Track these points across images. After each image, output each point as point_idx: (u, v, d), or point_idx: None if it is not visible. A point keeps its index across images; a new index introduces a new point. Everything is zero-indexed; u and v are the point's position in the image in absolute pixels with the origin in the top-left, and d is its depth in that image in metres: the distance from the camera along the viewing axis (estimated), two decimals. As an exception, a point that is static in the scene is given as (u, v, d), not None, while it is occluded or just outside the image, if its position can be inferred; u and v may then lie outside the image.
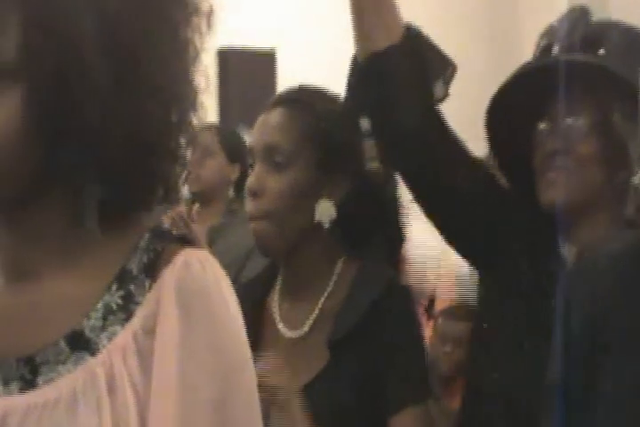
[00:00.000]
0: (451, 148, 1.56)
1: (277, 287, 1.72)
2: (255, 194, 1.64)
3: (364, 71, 1.57)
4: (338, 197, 1.64)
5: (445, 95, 1.58)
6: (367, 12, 1.54)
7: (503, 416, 1.49)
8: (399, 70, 1.53)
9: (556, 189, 1.47)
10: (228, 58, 6.83)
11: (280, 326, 1.67)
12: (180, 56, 1.06)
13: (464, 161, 1.57)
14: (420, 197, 1.60)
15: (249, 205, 1.65)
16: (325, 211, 1.62)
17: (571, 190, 1.47)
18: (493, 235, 1.55)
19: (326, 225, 1.62)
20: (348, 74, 1.62)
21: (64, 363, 1.04)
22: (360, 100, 1.59)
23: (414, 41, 1.56)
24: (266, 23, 6.69)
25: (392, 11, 1.55)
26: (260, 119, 1.69)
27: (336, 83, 1.73)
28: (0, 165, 1.01)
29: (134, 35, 1.01)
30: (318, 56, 6.14)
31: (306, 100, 1.68)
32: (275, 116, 1.66)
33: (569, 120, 1.47)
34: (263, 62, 7.16)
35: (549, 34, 1.56)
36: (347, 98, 1.67)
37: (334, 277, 1.66)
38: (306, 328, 1.64)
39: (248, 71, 6.96)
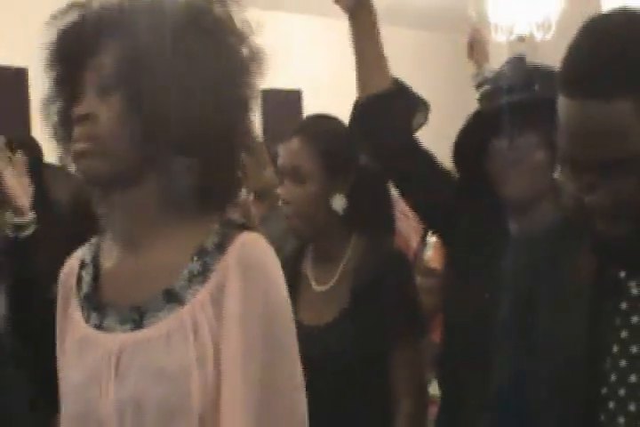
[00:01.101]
0: (424, 158, 2.14)
1: (309, 258, 2.28)
2: (285, 201, 2.23)
3: (364, 108, 2.12)
4: (345, 192, 2.20)
5: (421, 125, 2.19)
6: (366, 67, 2.12)
7: (470, 346, 2.01)
8: (389, 108, 2.09)
9: (511, 186, 2.03)
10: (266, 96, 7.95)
11: (312, 283, 2.24)
12: (251, 92, 1.46)
13: (433, 167, 2.14)
14: (403, 192, 2.18)
15: (283, 209, 2.25)
16: (338, 202, 2.19)
17: (524, 188, 2.03)
18: (453, 217, 2.11)
19: (340, 212, 2.20)
20: (352, 109, 2.16)
21: (161, 311, 1.40)
22: (360, 129, 2.14)
23: (399, 87, 2.13)
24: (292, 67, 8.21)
25: (384, 66, 2.13)
26: (284, 145, 2.27)
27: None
28: (112, 152, 1.37)
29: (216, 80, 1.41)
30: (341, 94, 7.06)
31: (316, 129, 2.26)
32: (294, 143, 2.23)
33: (521, 139, 2.02)
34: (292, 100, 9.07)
35: (493, 80, 2.17)
36: (349, 126, 2.22)
37: (350, 248, 2.22)
38: (331, 284, 2.22)
39: (278, 107, 8.58)
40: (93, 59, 1.42)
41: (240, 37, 1.46)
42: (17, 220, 2.35)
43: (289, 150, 2.25)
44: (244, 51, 1.46)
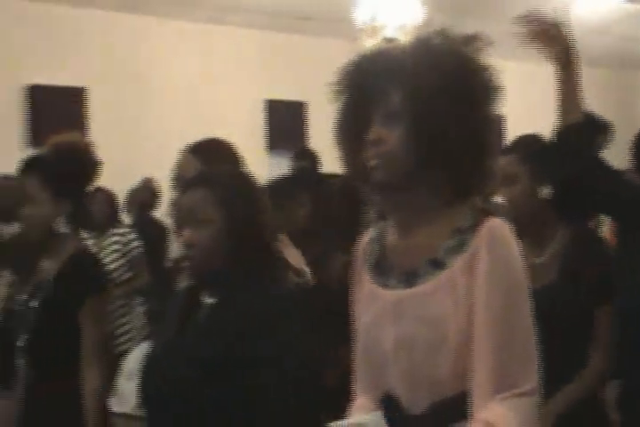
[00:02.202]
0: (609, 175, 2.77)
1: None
2: (507, 201, 2.96)
3: (563, 135, 2.74)
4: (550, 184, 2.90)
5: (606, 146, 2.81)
6: (566, 102, 2.72)
7: None
8: (585, 135, 2.71)
9: None
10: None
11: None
12: (495, 115, 1.89)
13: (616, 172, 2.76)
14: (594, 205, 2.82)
15: (501, 206, 3.00)
16: (544, 192, 2.88)
17: None
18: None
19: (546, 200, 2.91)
20: (554, 135, 2.80)
21: (428, 274, 1.83)
22: (562, 148, 2.75)
23: (590, 117, 2.74)
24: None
25: (578, 101, 2.73)
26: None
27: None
28: (397, 166, 1.83)
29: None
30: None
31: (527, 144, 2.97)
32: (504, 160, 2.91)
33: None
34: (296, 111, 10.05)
35: None
36: (554, 146, 2.85)
37: (559, 231, 2.93)
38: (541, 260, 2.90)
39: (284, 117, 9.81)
40: (381, 94, 1.85)
41: (485, 70, 1.88)
42: (298, 280, 2.91)
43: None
44: (488, 80, 1.88)
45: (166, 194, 7.63)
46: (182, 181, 2.61)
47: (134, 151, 8.65)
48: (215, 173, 2.47)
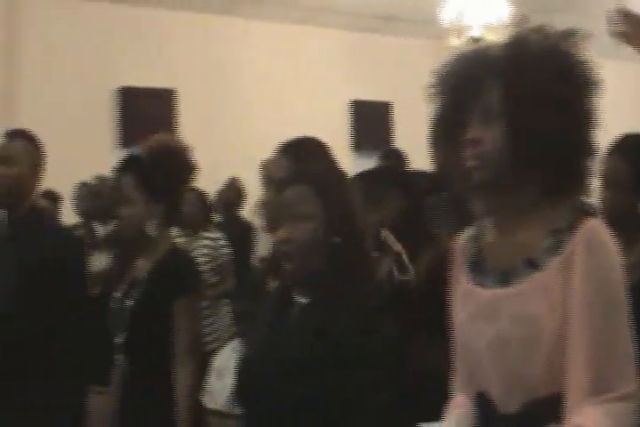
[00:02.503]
0: None
1: None
2: (602, 205, 2.83)
3: None
4: None
5: None
6: None
7: None
8: None
9: None
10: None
11: None
12: (594, 112, 1.86)
13: None
14: None
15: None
16: None
17: None
18: None
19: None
20: None
21: (523, 274, 1.83)
22: None
23: None
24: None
25: None
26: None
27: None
28: (496, 166, 1.82)
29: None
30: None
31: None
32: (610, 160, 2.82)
33: None
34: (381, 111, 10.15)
35: None
36: None
37: None
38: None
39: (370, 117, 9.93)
40: (479, 93, 1.85)
41: (584, 65, 1.85)
42: (402, 277, 2.91)
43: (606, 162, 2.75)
44: (588, 76, 1.86)
45: (252, 194, 7.79)
46: (272, 181, 2.61)
47: (221, 152, 8.74)
48: (312, 169, 2.49)
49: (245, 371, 2.35)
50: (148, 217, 3.17)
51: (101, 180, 6.56)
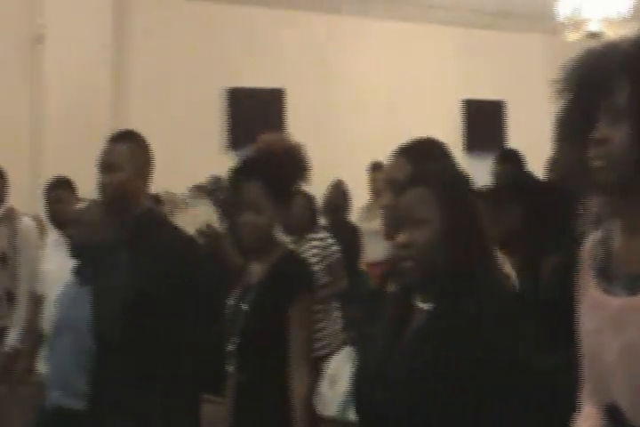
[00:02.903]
0: None
1: None
2: None
3: None
4: None
5: None
6: None
7: None
8: None
9: None
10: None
11: None
12: None
13: None
14: None
15: None
16: None
17: None
18: None
19: None
20: None
21: None
22: None
23: None
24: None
25: None
26: None
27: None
28: (623, 167, 1.74)
29: None
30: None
31: None
32: None
33: None
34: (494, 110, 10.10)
35: None
36: None
37: None
38: None
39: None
40: (608, 91, 1.79)
41: None
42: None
43: None
44: None
45: (360, 196, 7.79)
46: (394, 184, 2.61)
47: (331, 153, 8.75)
48: (432, 171, 2.45)
49: (364, 378, 2.33)
50: (274, 223, 3.20)
51: (215, 181, 6.56)
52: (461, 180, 2.42)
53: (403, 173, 2.66)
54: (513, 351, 2.16)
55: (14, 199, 5.82)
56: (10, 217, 5.65)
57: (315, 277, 3.54)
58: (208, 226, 4.33)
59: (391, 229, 2.37)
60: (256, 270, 3.20)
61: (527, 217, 3.43)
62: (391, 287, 2.70)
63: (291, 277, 3.14)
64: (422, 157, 2.79)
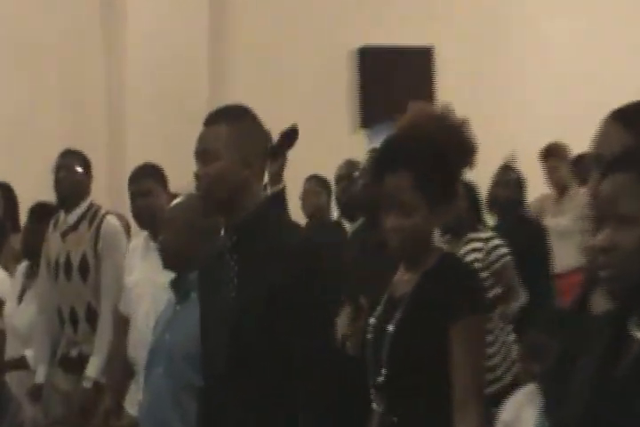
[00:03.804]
0: None
1: None
2: None
3: None
4: None
5: None
6: None
7: None
8: None
9: None
10: None
11: None
12: None
13: None
14: None
15: None
16: None
17: None
18: None
19: None
20: None
21: None
22: None
23: None
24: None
25: None
26: None
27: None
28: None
29: None
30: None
31: None
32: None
33: None
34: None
35: None
36: None
37: None
38: None
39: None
40: None
41: None
42: None
43: None
44: None
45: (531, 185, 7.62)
46: (603, 162, 2.47)
47: (492, 128, 8.62)
48: None
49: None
50: (431, 227, 3.17)
51: (350, 166, 6.39)
52: None
53: (613, 147, 2.52)
54: None
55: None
56: (92, 216, 5.63)
57: (484, 288, 3.40)
58: None
59: (596, 224, 2.28)
60: (404, 280, 3.17)
61: None
62: (595, 306, 2.64)
63: (452, 289, 3.07)
64: None
